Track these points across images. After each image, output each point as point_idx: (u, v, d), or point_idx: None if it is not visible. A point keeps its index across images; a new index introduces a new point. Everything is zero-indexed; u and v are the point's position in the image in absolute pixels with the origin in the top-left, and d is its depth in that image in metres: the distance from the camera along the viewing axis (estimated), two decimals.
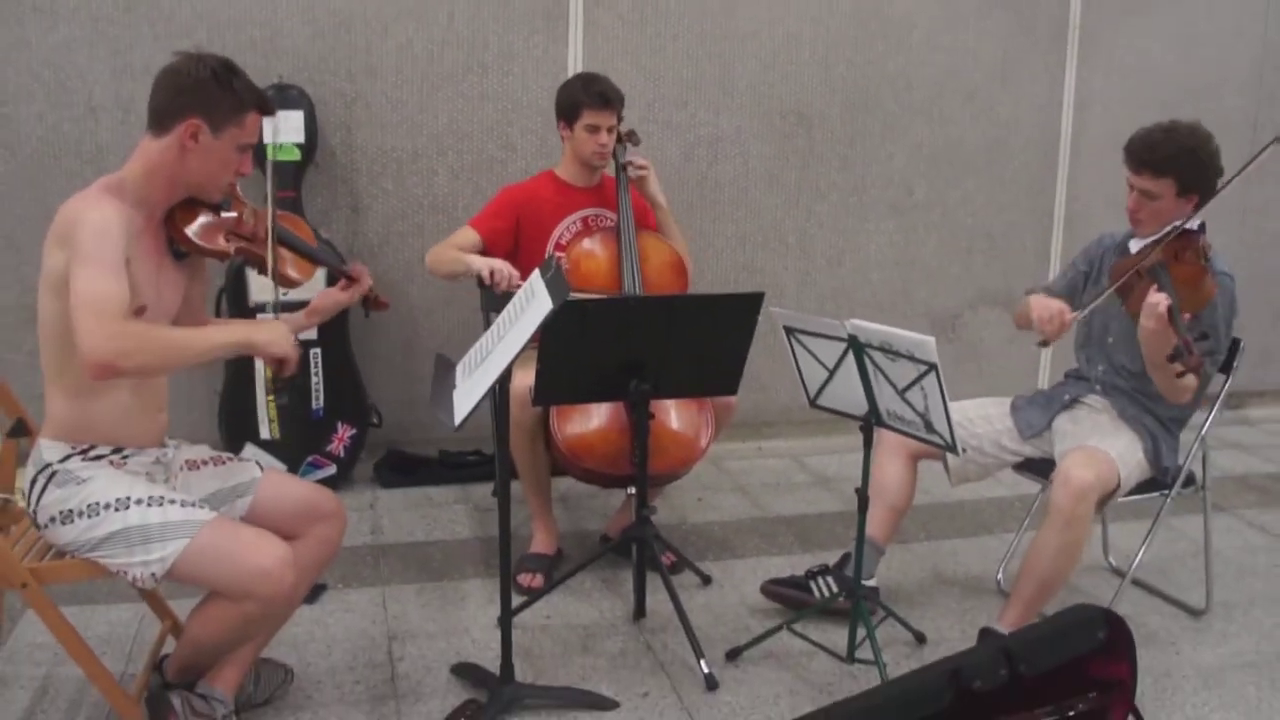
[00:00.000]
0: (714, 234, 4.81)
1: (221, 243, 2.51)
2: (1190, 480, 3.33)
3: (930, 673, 2.31)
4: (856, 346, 2.79)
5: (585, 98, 3.61)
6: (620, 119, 3.70)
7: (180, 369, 2.48)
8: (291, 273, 2.68)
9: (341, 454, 4.29)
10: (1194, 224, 3.02)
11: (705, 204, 4.77)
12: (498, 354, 2.59)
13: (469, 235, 3.64)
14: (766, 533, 4.07)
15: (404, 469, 4.44)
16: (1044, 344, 3.14)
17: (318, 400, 4.22)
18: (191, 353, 2.36)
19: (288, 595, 2.46)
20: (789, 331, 2.97)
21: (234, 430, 4.15)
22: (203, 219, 2.49)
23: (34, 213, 4.11)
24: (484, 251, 3.62)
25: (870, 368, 2.80)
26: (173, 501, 2.42)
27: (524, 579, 3.50)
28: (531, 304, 2.61)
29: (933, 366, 2.61)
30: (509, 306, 2.73)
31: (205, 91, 2.35)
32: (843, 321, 2.79)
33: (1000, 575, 3.66)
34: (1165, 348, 2.74)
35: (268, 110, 2.47)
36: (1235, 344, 3.32)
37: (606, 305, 3.04)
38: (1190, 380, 2.93)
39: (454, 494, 4.36)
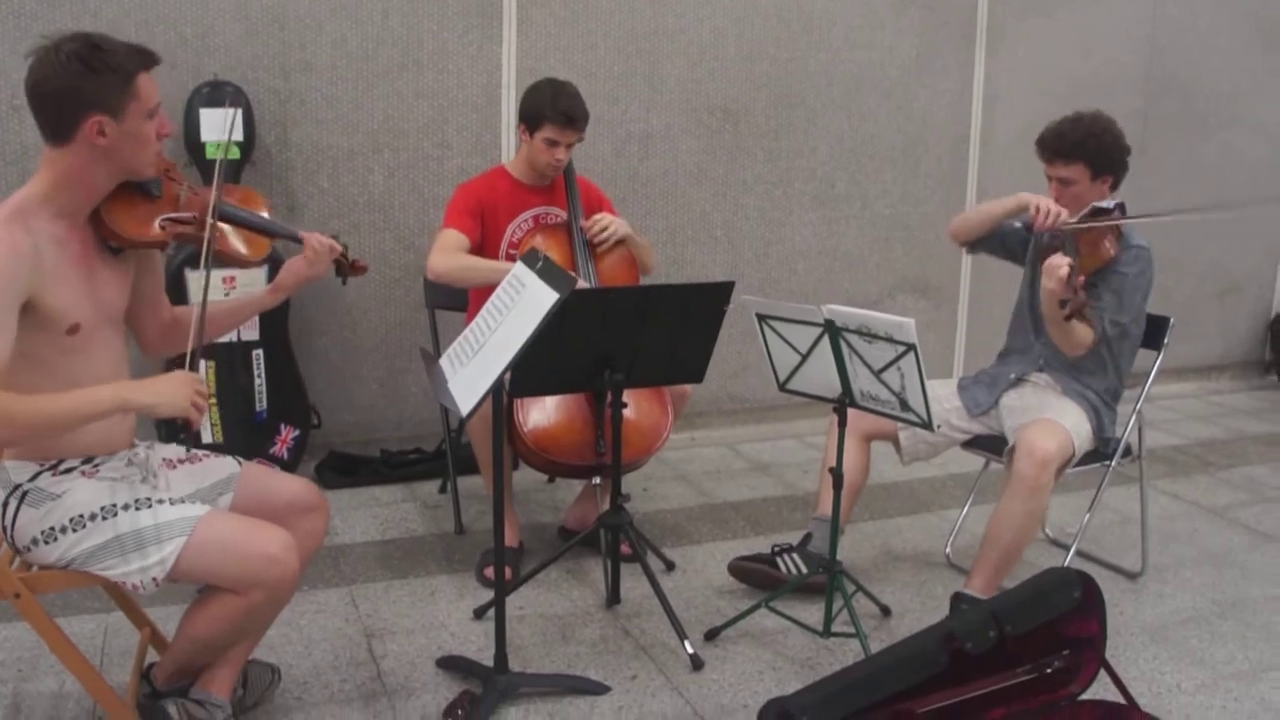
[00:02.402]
0: (645, 228, 4.86)
1: (155, 231, 2.37)
2: (1127, 451, 3.53)
3: (926, 637, 2.42)
4: (833, 330, 2.88)
5: (550, 113, 3.54)
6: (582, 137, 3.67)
7: (51, 440, 2.34)
8: (239, 249, 2.54)
9: (285, 455, 4.24)
10: (1108, 203, 3.28)
11: (636, 199, 4.83)
12: (496, 346, 2.60)
13: (460, 238, 3.59)
14: (717, 519, 4.16)
15: (346, 469, 4.40)
16: (1027, 227, 3.43)
17: (261, 402, 4.16)
18: (59, 426, 2.21)
19: (294, 580, 2.40)
20: (761, 318, 3.06)
21: (174, 434, 4.04)
22: (132, 209, 2.35)
23: None
24: (471, 250, 3.61)
25: (846, 350, 2.90)
26: (160, 501, 2.34)
27: (490, 572, 3.51)
28: (523, 295, 2.63)
29: (911, 347, 2.72)
30: (494, 298, 2.74)
31: (86, 84, 2.16)
32: (819, 306, 2.89)
33: (949, 549, 3.82)
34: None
35: (153, 61, 2.28)
36: (1165, 322, 3.55)
37: (587, 296, 3.08)
38: (1083, 332, 3.16)
39: (399, 493, 4.34)
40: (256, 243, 2.59)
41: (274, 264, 3.87)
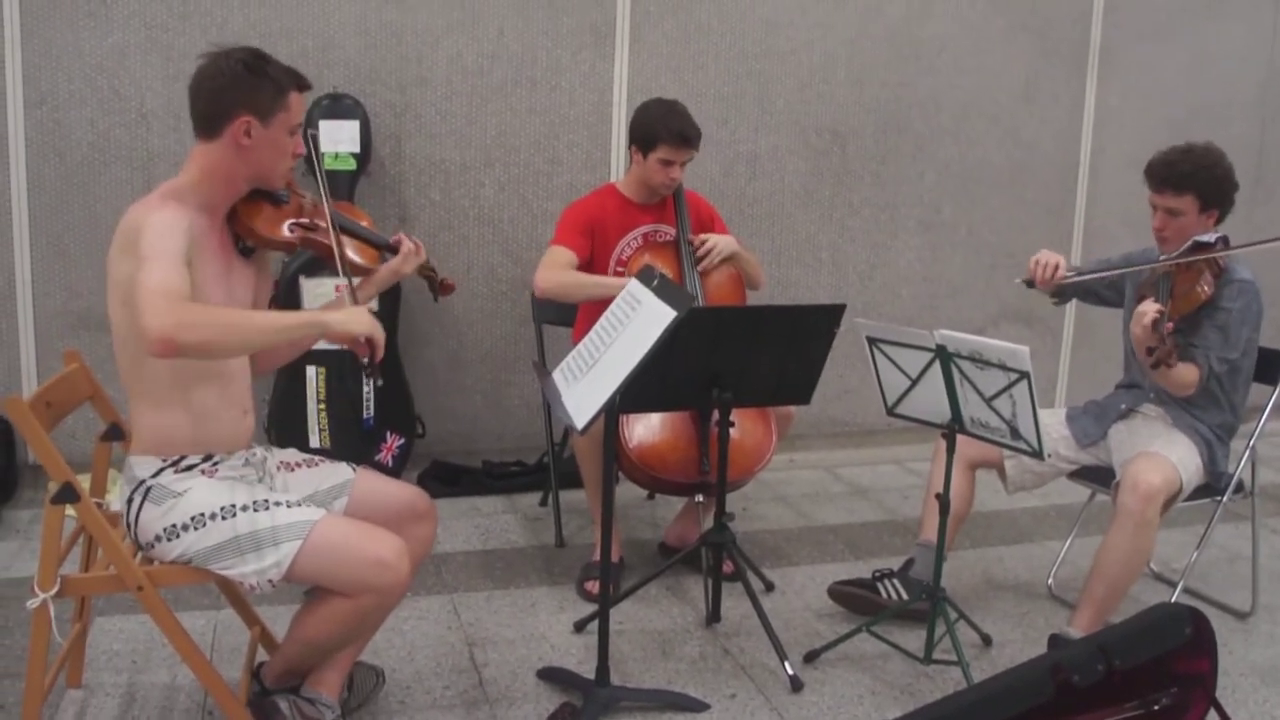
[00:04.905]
0: (751, 249, 4.84)
1: (286, 233, 2.53)
2: (1239, 487, 3.45)
3: (1032, 667, 2.39)
4: (945, 356, 2.87)
5: (664, 134, 3.55)
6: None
7: (244, 350, 2.47)
8: (356, 258, 2.69)
9: (390, 463, 4.32)
10: (1209, 237, 3.22)
11: (743, 219, 4.85)
12: (610, 362, 2.63)
13: (568, 255, 3.62)
14: (817, 541, 4.15)
15: (449, 479, 4.47)
16: (1028, 284, 3.47)
17: (368, 410, 4.24)
18: (256, 331, 2.30)
19: (404, 586, 2.45)
20: (872, 341, 3.06)
21: (282, 438, 4.15)
22: (265, 212, 2.51)
23: (82, 219, 4.12)
24: (580, 267, 3.64)
25: (957, 376, 2.88)
26: (279, 503, 2.41)
27: (591, 586, 3.55)
28: (639, 312, 2.65)
29: (1025, 375, 2.69)
30: (608, 314, 2.78)
31: (244, 86, 2.35)
32: (931, 331, 2.88)
33: (1051, 580, 3.76)
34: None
35: (305, 86, 2.47)
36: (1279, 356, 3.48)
37: (699, 315, 3.09)
38: (1185, 373, 3.11)
39: (500, 504, 4.40)
40: (368, 252, 2.74)
41: None
